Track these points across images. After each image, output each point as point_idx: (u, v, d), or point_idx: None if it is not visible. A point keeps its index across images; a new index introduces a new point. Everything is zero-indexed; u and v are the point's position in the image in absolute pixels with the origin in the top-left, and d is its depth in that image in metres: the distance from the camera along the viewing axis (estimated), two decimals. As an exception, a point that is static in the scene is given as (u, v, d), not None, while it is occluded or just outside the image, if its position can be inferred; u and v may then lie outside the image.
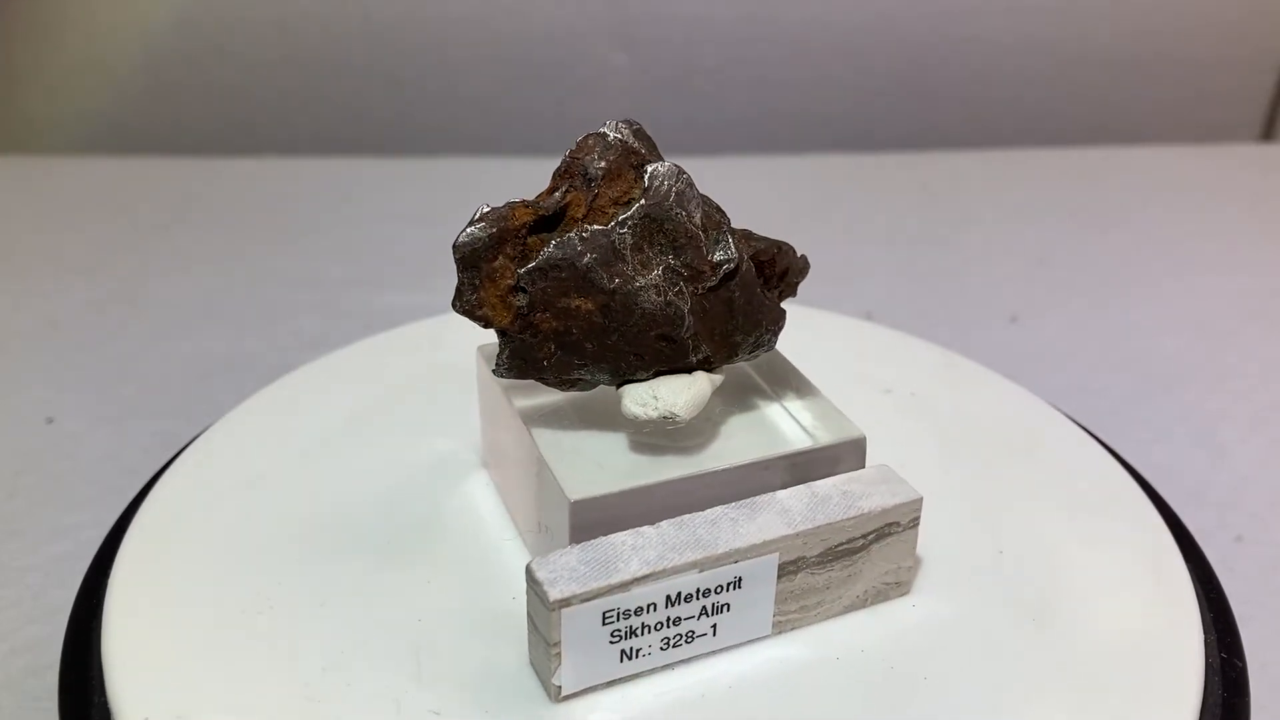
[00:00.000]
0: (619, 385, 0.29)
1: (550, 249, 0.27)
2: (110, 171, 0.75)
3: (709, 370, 0.29)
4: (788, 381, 0.31)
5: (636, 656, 0.26)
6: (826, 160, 0.78)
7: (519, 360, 0.28)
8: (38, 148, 0.80)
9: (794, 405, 0.31)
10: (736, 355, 0.30)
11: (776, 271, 0.30)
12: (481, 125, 0.80)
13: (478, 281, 0.27)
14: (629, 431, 0.29)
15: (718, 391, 0.30)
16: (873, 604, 0.28)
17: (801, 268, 0.31)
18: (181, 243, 0.66)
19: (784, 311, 0.30)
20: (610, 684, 0.26)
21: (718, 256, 0.28)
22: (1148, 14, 0.78)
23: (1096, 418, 0.48)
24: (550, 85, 0.79)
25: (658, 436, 0.29)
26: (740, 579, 0.26)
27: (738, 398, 0.31)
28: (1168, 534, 0.31)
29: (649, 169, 0.27)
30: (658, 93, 0.79)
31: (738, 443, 0.29)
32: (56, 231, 0.67)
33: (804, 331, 0.36)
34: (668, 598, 0.26)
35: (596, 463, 0.28)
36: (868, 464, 0.29)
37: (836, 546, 0.27)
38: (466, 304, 0.27)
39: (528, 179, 0.80)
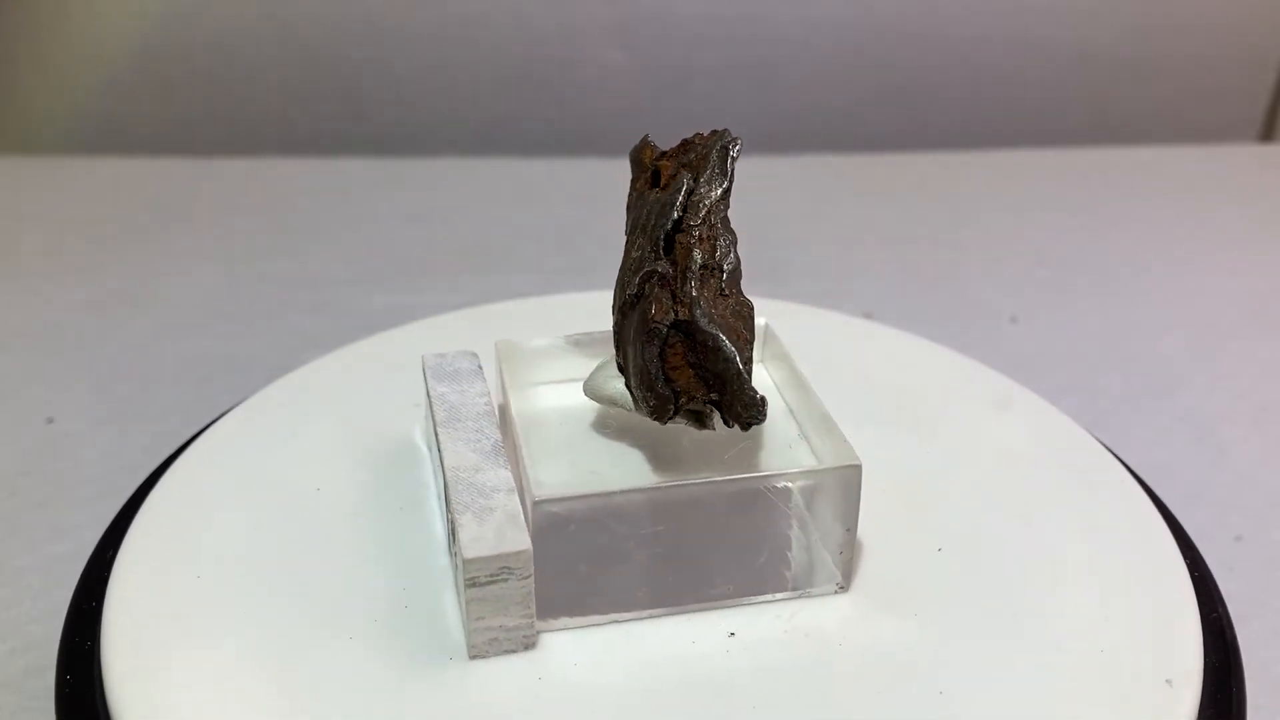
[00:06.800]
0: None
1: (640, 192, 0.30)
2: (110, 171, 0.75)
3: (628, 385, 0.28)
4: (694, 453, 0.30)
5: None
6: (826, 160, 0.77)
7: None
8: (38, 148, 0.80)
9: (635, 454, 0.29)
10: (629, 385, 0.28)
11: (710, 369, 0.26)
12: (481, 125, 0.80)
13: (637, 185, 0.31)
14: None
15: (688, 432, 0.29)
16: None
17: (746, 404, 0.26)
18: (181, 243, 0.66)
19: (662, 401, 0.27)
20: None
21: (637, 280, 0.27)
22: (1147, 14, 0.78)
23: (1096, 418, 0.48)
24: (550, 85, 0.79)
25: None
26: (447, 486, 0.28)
27: (668, 440, 0.30)
28: (1167, 534, 0.31)
29: (680, 175, 0.28)
30: (658, 93, 0.79)
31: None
32: (56, 231, 0.67)
33: (804, 331, 0.36)
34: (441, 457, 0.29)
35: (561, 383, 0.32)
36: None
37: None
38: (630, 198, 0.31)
39: (528, 179, 0.80)
